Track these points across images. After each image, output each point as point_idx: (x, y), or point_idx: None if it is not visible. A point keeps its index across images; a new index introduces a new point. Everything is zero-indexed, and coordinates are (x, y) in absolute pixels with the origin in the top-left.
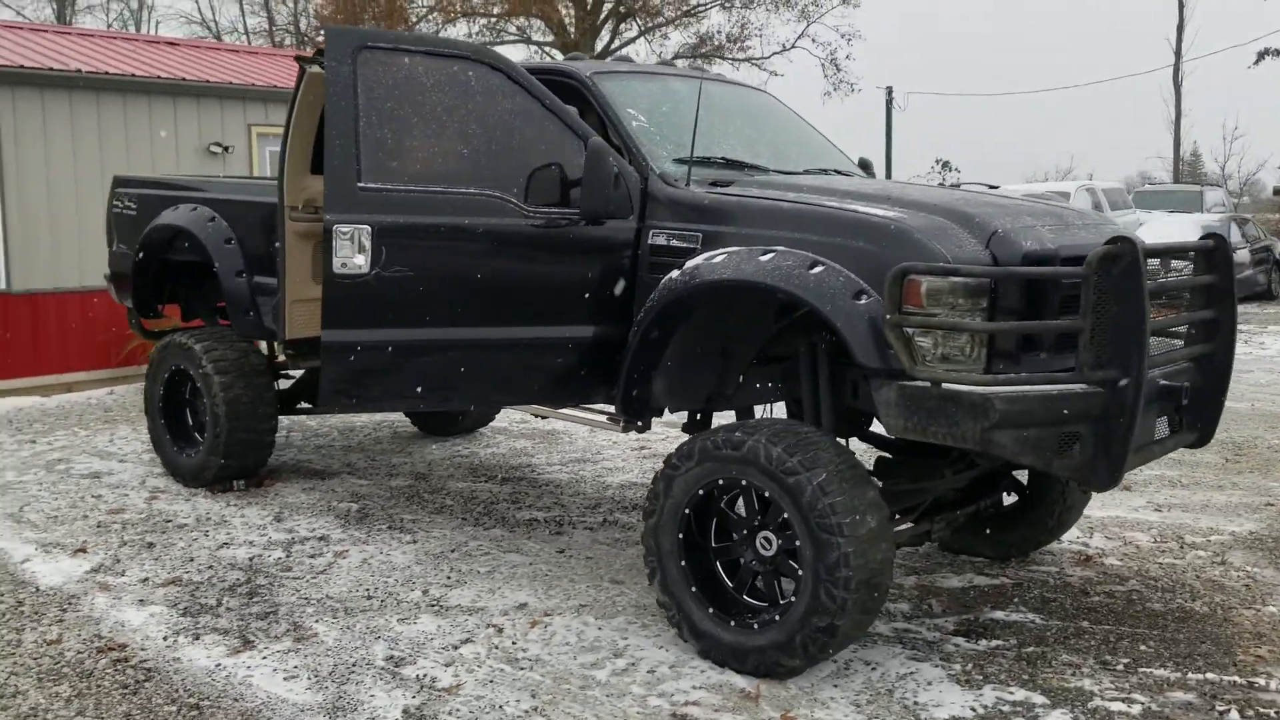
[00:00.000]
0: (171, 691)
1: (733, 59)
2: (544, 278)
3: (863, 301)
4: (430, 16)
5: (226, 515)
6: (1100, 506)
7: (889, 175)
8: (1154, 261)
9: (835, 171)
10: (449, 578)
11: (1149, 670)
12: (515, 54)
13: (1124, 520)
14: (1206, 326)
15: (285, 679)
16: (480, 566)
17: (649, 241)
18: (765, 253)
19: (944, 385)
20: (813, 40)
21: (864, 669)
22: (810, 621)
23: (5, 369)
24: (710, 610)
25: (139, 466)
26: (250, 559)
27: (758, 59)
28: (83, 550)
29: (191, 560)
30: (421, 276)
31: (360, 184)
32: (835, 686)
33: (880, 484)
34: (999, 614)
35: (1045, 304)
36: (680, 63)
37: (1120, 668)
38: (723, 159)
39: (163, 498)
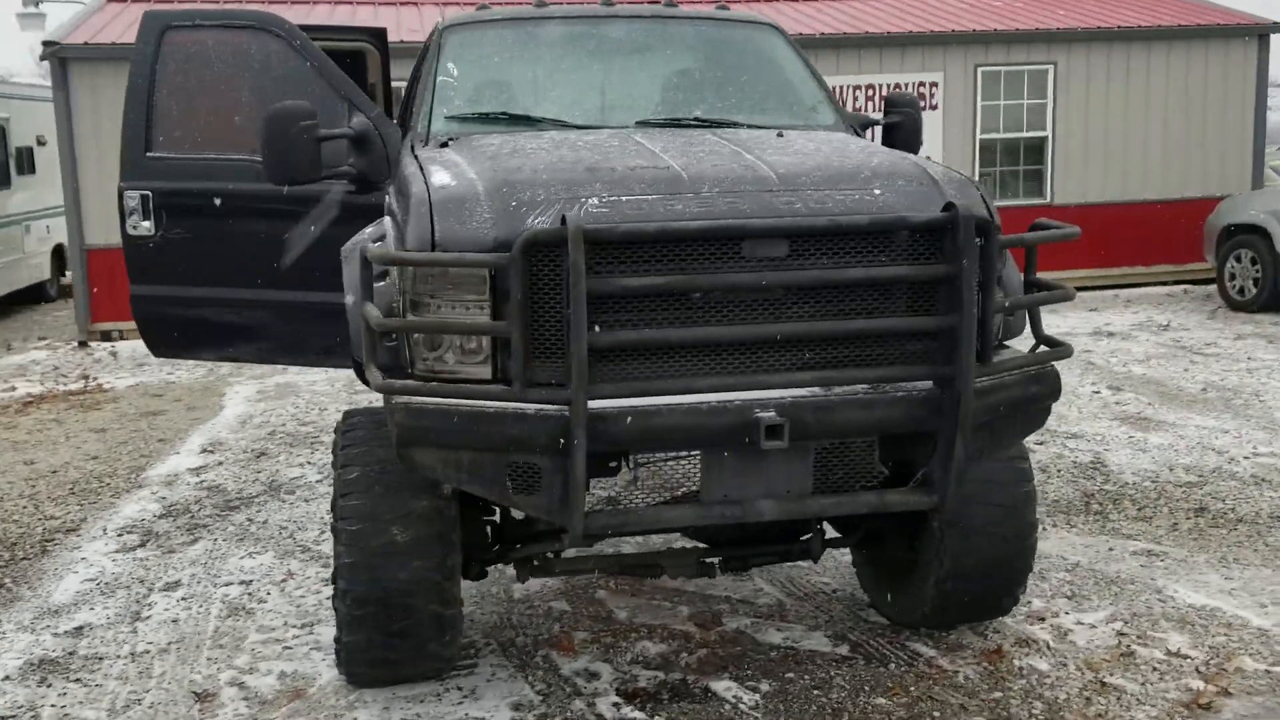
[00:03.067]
0: (19, 560)
1: None
2: (307, 242)
3: (380, 285)
4: None
5: None
6: (1178, 579)
7: None
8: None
9: (738, 126)
10: None
11: None
12: None
13: (1166, 604)
14: (941, 338)
15: (84, 581)
16: None
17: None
18: (378, 224)
19: (389, 393)
20: None
21: (455, 700)
22: (337, 631)
23: None
24: None
25: None
26: (289, 479)
27: None
28: (211, 451)
29: (259, 473)
30: (198, 238)
31: (149, 153)
32: (384, 710)
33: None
34: (723, 684)
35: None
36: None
37: None
38: (505, 114)
39: None
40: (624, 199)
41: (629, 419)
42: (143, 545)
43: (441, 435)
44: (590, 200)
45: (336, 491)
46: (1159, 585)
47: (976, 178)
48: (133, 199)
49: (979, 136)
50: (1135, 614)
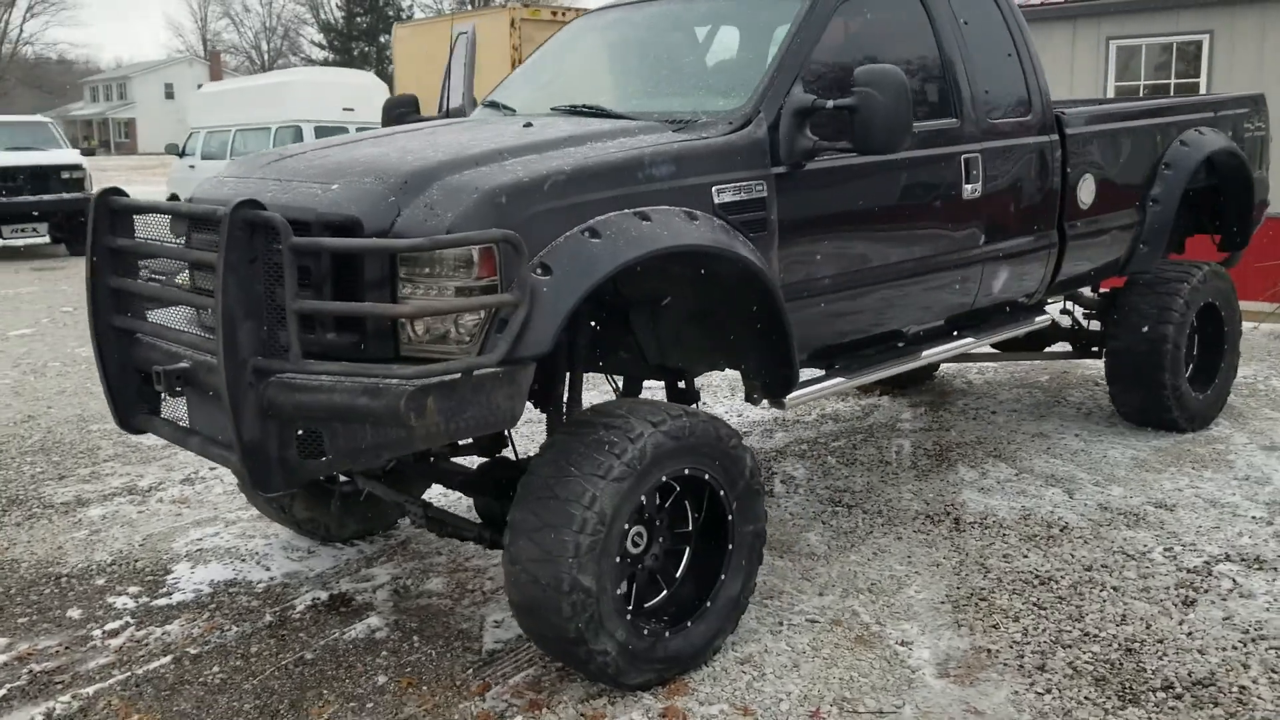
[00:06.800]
0: None
1: None
2: None
3: None
4: None
5: None
6: None
7: None
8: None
9: (604, 115)
10: None
11: None
12: None
13: None
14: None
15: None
16: None
17: None
18: None
19: None
20: None
21: (282, 546)
22: None
23: None
24: None
25: None
26: None
27: None
28: None
29: None
30: None
31: None
32: (250, 521)
33: None
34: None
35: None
36: None
37: None
38: (491, 102)
39: None
40: (230, 180)
41: (145, 347)
42: None
43: None
44: (229, 180)
45: None
46: None
47: None
48: None
49: None
50: None
